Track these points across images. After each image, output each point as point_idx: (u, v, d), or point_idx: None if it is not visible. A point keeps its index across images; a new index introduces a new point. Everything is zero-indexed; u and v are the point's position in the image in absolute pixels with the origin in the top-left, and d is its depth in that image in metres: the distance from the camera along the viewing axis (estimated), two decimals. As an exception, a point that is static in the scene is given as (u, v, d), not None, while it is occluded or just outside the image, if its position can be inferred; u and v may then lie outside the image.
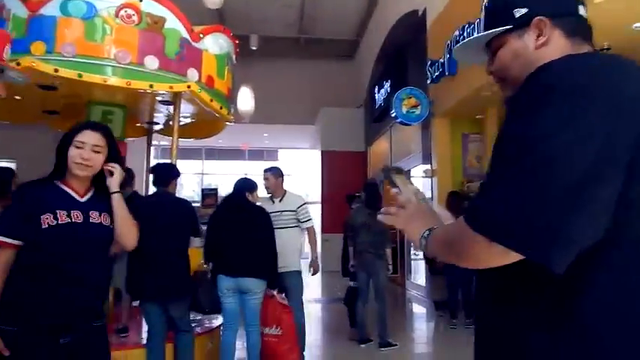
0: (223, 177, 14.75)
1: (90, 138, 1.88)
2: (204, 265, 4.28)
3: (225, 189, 12.13)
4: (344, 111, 13.15)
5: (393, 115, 7.48)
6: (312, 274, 4.58)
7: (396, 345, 4.99)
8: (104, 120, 4.34)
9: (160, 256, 3.40)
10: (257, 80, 10.83)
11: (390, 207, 1.11)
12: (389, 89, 9.45)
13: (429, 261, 7.27)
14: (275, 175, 4.47)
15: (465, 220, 0.83)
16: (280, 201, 4.42)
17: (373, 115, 11.23)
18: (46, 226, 1.72)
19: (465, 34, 5.91)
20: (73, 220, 1.79)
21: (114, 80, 3.70)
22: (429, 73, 7.18)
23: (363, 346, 5.02)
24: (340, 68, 13.89)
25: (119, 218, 1.95)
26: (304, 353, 4.34)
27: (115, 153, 1.97)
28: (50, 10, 3.62)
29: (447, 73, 6.64)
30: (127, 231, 1.99)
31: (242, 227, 3.81)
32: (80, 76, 3.57)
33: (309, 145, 15.32)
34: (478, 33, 1.06)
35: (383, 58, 10.93)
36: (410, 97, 7.26)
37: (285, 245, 4.15)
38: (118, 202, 1.96)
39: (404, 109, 7.21)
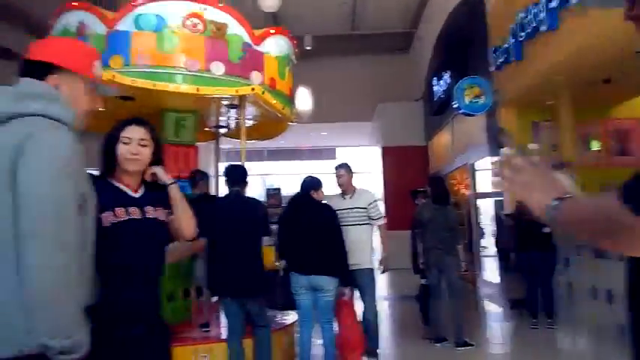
0: (285, 177, 15.02)
1: (135, 133, 1.90)
2: (276, 263, 4.39)
3: (287, 189, 12.36)
4: (402, 105, 12.98)
5: (455, 106, 7.30)
6: (382, 272, 4.55)
7: (473, 345, 4.84)
8: (178, 126, 4.57)
9: (235, 254, 3.53)
10: (313, 80, 10.95)
11: (505, 170, 0.98)
12: (449, 80, 9.23)
13: (504, 258, 7.02)
14: (348, 170, 4.43)
15: (625, 201, 0.74)
16: (351, 197, 4.38)
17: (433, 107, 11.01)
18: (108, 224, 1.72)
19: (531, 15, 5.67)
20: (132, 217, 1.80)
21: (185, 87, 3.88)
22: (492, 61, 6.94)
23: (438, 345, 4.91)
24: (395, 62, 13.72)
25: (179, 209, 1.95)
26: (378, 351, 4.32)
27: (159, 146, 1.96)
28: (125, 25, 3.85)
29: (512, 59, 6.38)
30: (186, 222, 1.98)
31: (310, 226, 3.86)
32: (154, 85, 3.78)
33: (367, 141, 15.26)
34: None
35: (441, 48, 10.69)
36: (473, 87, 7.05)
37: (356, 242, 4.15)
38: (175, 192, 1.96)
39: (467, 100, 7.02)
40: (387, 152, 12.84)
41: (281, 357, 4.06)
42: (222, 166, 5.88)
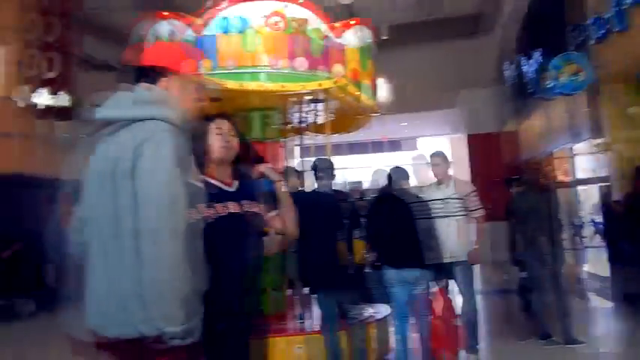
0: (365, 170, 14.94)
1: (224, 125, 1.98)
2: (366, 256, 4.36)
3: (368, 182, 12.30)
4: (487, 90, 12.37)
5: (549, 85, 6.79)
6: (472, 264, 4.32)
7: (584, 342, 4.46)
8: (263, 124, 4.68)
9: (325, 247, 3.57)
10: (391, 70, 10.72)
11: None
12: (540, 59, 8.60)
13: (612, 248, 6.44)
14: (444, 159, 4.24)
15: None
16: (447, 187, 4.16)
17: (521, 89, 10.34)
18: (209, 220, 1.75)
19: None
20: (231, 211, 1.84)
21: (270, 85, 3.96)
22: (590, 33, 6.33)
23: (542, 342, 4.58)
24: (475, 46, 13.07)
25: (284, 207, 2.02)
26: (477, 347, 4.15)
27: (244, 144, 2.08)
28: (211, 29, 4.00)
29: (615, 30, 5.78)
30: (290, 220, 2.04)
31: (399, 218, 3.78)
32: (241, 85, 3.89)
33: (450, 130, 14.74)
34: None
35: (528, 25, 10.01)
36: (569, 64, 6.49)
37: (451, 234, 4.00)
38: (282, 190, 2.04)
39: (562, 78, 6.49)
40: (473, 140, 12.31)
41: (376, 350, 4.03)
42: (305, 162, 5.98)
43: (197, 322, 1.38)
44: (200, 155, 1.87)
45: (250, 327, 1.99)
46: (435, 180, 4.23)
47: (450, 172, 4.30)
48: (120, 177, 1.35)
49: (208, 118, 1.95)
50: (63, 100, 8.44)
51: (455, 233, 4.03)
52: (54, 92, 8.43)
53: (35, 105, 8.33)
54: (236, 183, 1.99)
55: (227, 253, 1.76)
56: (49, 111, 8.42)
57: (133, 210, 1.32)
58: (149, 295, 1.29)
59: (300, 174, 4.28)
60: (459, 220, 4.08)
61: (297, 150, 6.19)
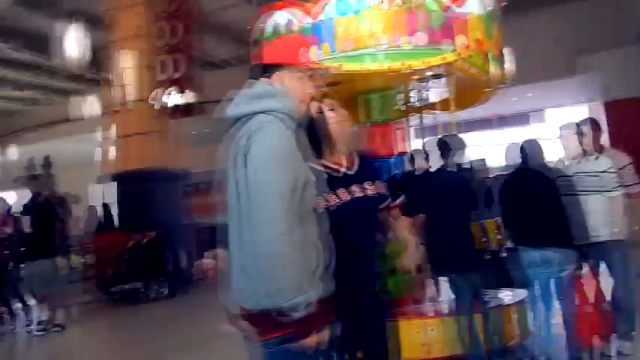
0: (488, 148, 14.13)
1: (331, 100, 1.99)
2: (498, 237, 4.12)
3: (492, 160, 11.59)
4: (625, 51, 10.93)
5: None
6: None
7: None
8: (380, 105, 4.59)
9: (455, 228, 3.44)
10: (513, 38, 9.92)
11: None
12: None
13: None
14: (594, 126, 3.82)
15: None
16: (597, 159, 3.73)
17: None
18: (334, 207, 1.80)
19: None
20: (354, 196, 1.85)
21: (389, 64, 3.85)
22: None
23: None
24: (605, 4, 11.57)
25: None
26: (633, 333, 3.70)
27: None
28: (327, 13, 3.97)
29: None
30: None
31: (539, 194, 3.50)
32: (361, 67, 3.83)
33: (584, 98, 13.34)
34: None
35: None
36: None
37: (603, 211, 3.59)
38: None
39: None
40: (611, 107, 11.01)
41: (513, 334, 3.80)
42: (428, 142, 5.77)
43: (311, 296, 1.45)
44: (319, 141, 1.88)
45: (384, 307, 1.99)
46: (582, 151, 3.81)
47: (603, 142, 3.88)
48: (238, 167, 1.48)
49: (320, 103, 1.96)
50: (189, 98, 9.10)
51: (606, 210, 3.60)
52: (180, 91, 9.13)
53: (166, 105, 9.11)
54: (356, 165, 1.97)
55: (350, 237, 1.76)
56: (177, 109, 9.15)
57: (247, 196, 1.44)
58: (261, 272, 1.42)
59: (427, 154, 4.14)
60: (612, 195, 3.63)
61: (417, 130, 5.98)
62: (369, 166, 2.02)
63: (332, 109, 1.95)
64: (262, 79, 1.62)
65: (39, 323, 5.75)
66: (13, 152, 16.41)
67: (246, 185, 1.45)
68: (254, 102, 1.55)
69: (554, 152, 4.07)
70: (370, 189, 1.92)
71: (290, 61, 1.65)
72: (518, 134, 14.39)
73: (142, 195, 8.69)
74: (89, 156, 14.75)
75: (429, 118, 6.07)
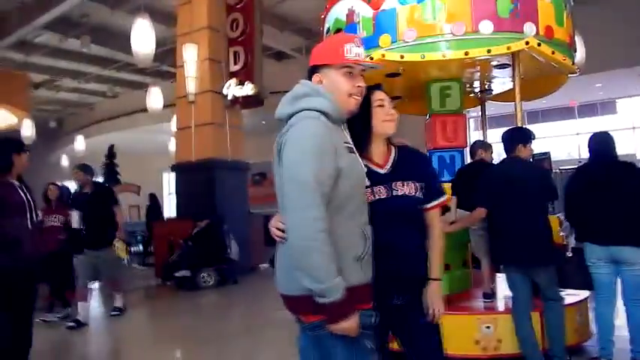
0: (551, 140, 13.53)
1: (384, 96, 1.90)
2: (561, 233, 3.97)
3: (557, 152, 11.09)
4: None
5: None
6: None
7: None
8: (442, 96, 4.53)
9: (519, 221, 3.33)
10: (585, 24, 9.40)
11: None
12: None
13: None
14: None
15: None
16: None
17: None
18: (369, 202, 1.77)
19: None
20: (377, 197, 1.80)
21: (452, 54, 3.79)
22: None
23: None
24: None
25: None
26: None
27: None
28: (390, 3, 3.96)
29: None
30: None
31: (611, 189, 3.34)
32: (423, 57, 3.80)
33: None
34: None
35: None
36: None
37: None
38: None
39: None
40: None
41: (574, 335, 3.69)
42: (492, 134, 5.63)
43: (349, 281, 1.53)
44: (361, 134, 1.83)
45: (414, 306, 1.92)
46: None
47: None
48: (278, 161, 1.61)
49: (370, 87, 1.87)
50: (248, 90, 9.30)
51: None
52: (241, 83, 9.35)
53: (226, 96, 9.38)
54: (390, 163, 1.91)
55: (379, 238, 1.73)
56: (237, 101, 9.40)
57: (283, 187, 1.56)
58: (296, 257, 1.51)
59: (488, 146, 4.05)
60: None
61: (480, 121, 5.85)
62: (406, 166, 1.92)
63: (381, 106, 1.89)
64: (303, 81, 1.73)
65: (114, 309, 5.95)
66: (81, 143, 17.35)
67: (282, 177, 1.57)
68: (294, 102, 1.65)
69: (624, 144, 3.86)
70: (400, 189, 1.86)
71: (328, 60, 1.70)
72: (590, 125, 13.68)
73: (206, 184, 9.01)
74: (164, 146, 15.47)
75: (493, 108, 5.93)
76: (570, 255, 3.56)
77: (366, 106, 1.82)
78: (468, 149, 4.75)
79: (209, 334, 5.07)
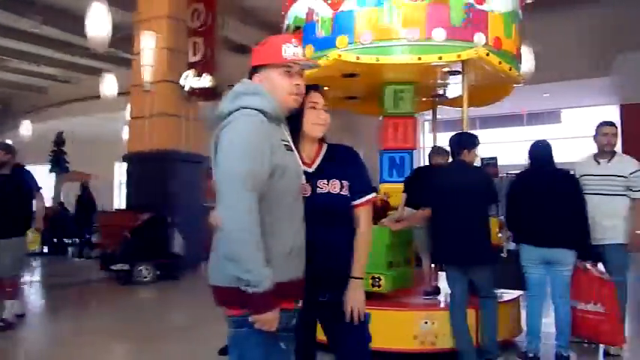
0: (501, 145, 14.06)
1: (319, 98, 1.92)
2: (499, 235, 4.17)
3: (504, 158, 11.57)
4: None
5: None
6: (629, 251, 3.90)
7: None
8: (396, 98, 4.66)
9: (461, 222, 3.49)
10: (534, 36, 9.85)
11: None
12: None
13: None
14: (616, 131, 3.91)
15: None
16: (608, 162, 3.85)
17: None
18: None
19: None
20: (304, 194, 1.82)
21: (406, 58, 3.92)
22: None
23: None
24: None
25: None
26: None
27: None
28: (349, 5, 4.05)
29: None
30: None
31: (548, 194, 3.56)
32: (377, 59, 3.90)
33: (601, 100, 13.19)
34: None
35: None
36: None
37: (607, 214, 3.70)
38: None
39: None
40: (628, 110, 10.91)
41: (506, 331, 3.89)
42: (441, 137, 5.83)
43: (264, 273, 1.52)
44: (292, 131, 1.84)
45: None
46: (594, 154, 3.92)
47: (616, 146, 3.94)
48: (214, 157, 1.65)
49: (307, 87, 1.88)
50: (206, 82, 9.20)
51: (612, 214, 3.70)
52: (198, 75, 9.23)
53: (184, 87, 9.24)
54: (317, 162, 1.94)
55: (308, 233, 1.77)
56: (194, 92, 9.27)
57: (218, 180, 1.61)
58: (227, 248, 1.55)
59: (445, 151, 4.18)
60: (618, 199, 3.74)
61: (431, 125, 6.05)
62: (332, 164, 1.93)
63: (313, 108, 1.91)
64: (243, 80, 1.78)
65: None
66: (27, 128, 16.60)
67: (217, 170, 1.61)
68: (234, 101, 1.69)
69: (568, 152, 4.11)
70: (324, 187, 1.89)
71: (267, 60, 1.75)
72: (536, 133, 14.29)
73: (158, 176, 8.85)
74: (118, 134, 14.98)
75: (444, 113, 6.14)
76: (505, 256, 3.75)
77: (299, 105, 1.83)
78: (425, 152, 4.89)
79: (135, 333, 4.89)
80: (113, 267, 7.57)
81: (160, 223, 7.85)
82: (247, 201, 1.53)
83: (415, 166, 4.90)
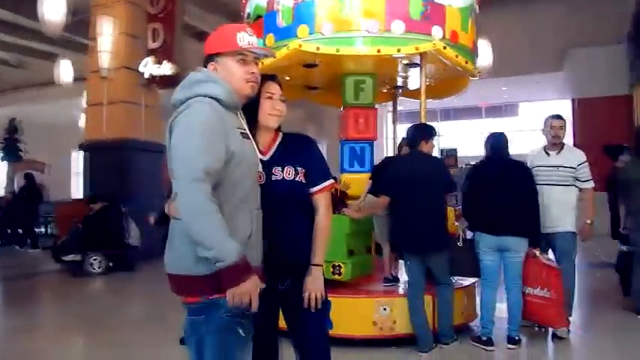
0: (461, 137, 14.46)
1: (276, 89, 1.93)
2: (456, 224, 4.30)
3: (463, 149, 11.92)
4: (599, 50, 11.27)
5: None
6: (583, 240, 4.12)
7: None
8: (357, 89, 4.70)
9: (418, 210, 3.60)
10: (491, 30, 10.11)
11: None
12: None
13: None
14: (564, 123, 4.07)
15: None
16: (558, 154, 4.03)
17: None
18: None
19: None
20: (260, 182, 1.82)
21: (366, 50, 3.96)
22: None
23: None
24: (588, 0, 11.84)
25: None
26: (570, 319, 4.00)
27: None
28: (310, -6, 4.03)
29: None
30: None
31: (503, 185, 3.69)
32: (338, 50, 3.93)
33: (555, 95, 13.71)
34: None
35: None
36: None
37: (558, 203, 3.88)
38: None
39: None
40: (579, 104, 11.39)
41: (460, 316, 4.03)
42: (401, 129, 5.93)
43: (227, 250, 1.51)
44: (248, 120, 1.84)
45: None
46: (544, 145, 4.10)
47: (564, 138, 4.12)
48: (169, 145, 1.65)
49: (264, 77, 1.89)
50: (166, 69, 9.00)
51: (562, 203, 3.89)
52: (158, 62, 9.03)
53: (143, 74, 9.01)
54: (272, 150, 1.95)
55: (268, 222, 1.79)
56: (154, 80, 9.06)
57: (173, 164, 1.61)
58: (187, 230, 1.55)
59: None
60: (567, 189, 3.94)
61: (392, 116, 6.14)
62: (287, 152, 1.94)
63: (270, 98, 1.90)
64: (199, 68, 1.78)
65: None
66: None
67: (171, 157, 1.61)
68: (189, 88, 1.69)
69: (525, 144, 4.28)
70: (279, 174, 1.89)
71: (222, 49, 1.75)
72: (495, 125, 14.74)
73: (117, 164, 8.64)
74: (74, 122, 14.44)
75: (406, 105, 6.25)
76: (460, 245, 3.88)
77: (255, 95, 1.84)
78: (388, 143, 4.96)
79: (89, 325, 4.81)
80: (65, 258, 7.38)
81: (113, 212, 7.62)
82: (203, 183, 1.52)
83: (376, 156, 4.97)
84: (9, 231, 11.55)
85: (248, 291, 1.54)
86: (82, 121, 12.41)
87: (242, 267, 1.53)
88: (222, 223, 1.53)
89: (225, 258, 1.50)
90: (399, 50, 3.95)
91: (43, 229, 12.68)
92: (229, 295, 1.54)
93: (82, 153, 9.67)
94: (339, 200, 4.18)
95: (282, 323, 2.06)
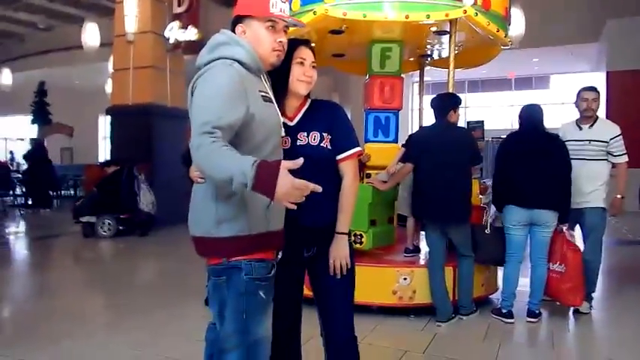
0: (488, 109, 14.12)
1: (308, 54, 1.88)
2: (480, 196, 4.24)
3: (491, 122, 11.61)
4: (638, 21, 10.73)
5: None
6: (613, 215, 4.00)
7: None
8: (383, 57, 4.60)
9: (442, 181, 3.56)
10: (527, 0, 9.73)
11: None
12: None
13: None
14: (598, 96, 3.91)
15: None
16: (590, 128, 3.89)
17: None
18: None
19: None
20: (283, 147, 1.80)
21: (393, 15, 3.84)
22: None
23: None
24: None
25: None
26: (593, 295, 3.96)
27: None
28: (337, -43, 3.92)
29: None
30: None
31: (538, 157, 3.61)
32: (365, 15, 3.82)
33: (589, 67, 13.20)
34: None
35: None
36: None
37: (590, 178, 3.77)
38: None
39: None
40: (614, 77, 10.93)
41: (481, 289, 4.03)
42: (428, 99, 5.81)
43: (247, 159, 1.41)
44: (276, 86, 1.81)
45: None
46: (576, 119, 3.96)
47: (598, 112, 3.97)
48: (190, 104, 1.63)
49: (296, 42, 1.85)
50: (191, 34, 8.95)
51: (594, 177, 3.79)
52: (183, 27, 8.97)
53: (168, 39, 8.99)
54: (299, 116, 1.91)
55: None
56: (179, 45, 9.03)
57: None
58: (208, 174, 1.52)
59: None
60: (600, 163, 3.82)
61: (419, 86, 6.01)
62: (314, 117, 1.91)
63: (300, 64, 1.85)
64: (223, 30, 1.74)
65: None
66: (8, 77, 16.09)
67: (191, 117, 1.58)
68: (213, 50, 1.67)
69: (556, 118, 4.16)
70: (304, 139, 1.87)
71: (253, 12, 1.71)
72: (524, 97, 14.36)
73: (142, 130, 8.74)
74: (101, 87, 14.60)
75: (432, 75, 6.10)
76: (488, 232, 3.84)
77: (287, 60, 1.80)
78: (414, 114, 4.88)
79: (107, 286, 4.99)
80: (82, 219, 7.64)
81: (125, 176, 7.70)
82: (213, 136, 1.47)
83: (400, 128, 4.89)
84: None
85: (286, 192, 1.39)
86: (108, 86, 12.56)
87: (266, 172, 1.39)
88: (233, 152, 1.46)
89: (248, 173, 1.38)
90: (428, 16, 3.82)
91: (72, 191, 13.03)
92: (277, 201, 1.41)
93: (108, 117, 9.80)
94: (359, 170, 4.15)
95: (306, 291, 2.07)
